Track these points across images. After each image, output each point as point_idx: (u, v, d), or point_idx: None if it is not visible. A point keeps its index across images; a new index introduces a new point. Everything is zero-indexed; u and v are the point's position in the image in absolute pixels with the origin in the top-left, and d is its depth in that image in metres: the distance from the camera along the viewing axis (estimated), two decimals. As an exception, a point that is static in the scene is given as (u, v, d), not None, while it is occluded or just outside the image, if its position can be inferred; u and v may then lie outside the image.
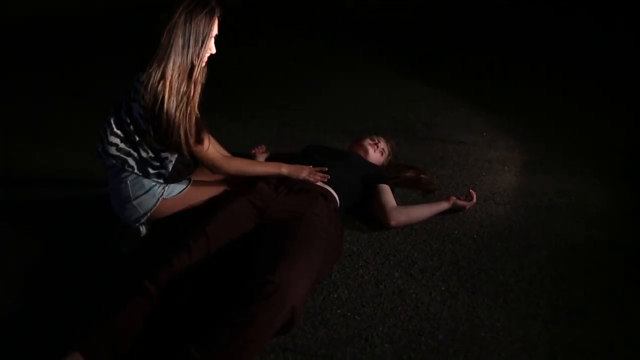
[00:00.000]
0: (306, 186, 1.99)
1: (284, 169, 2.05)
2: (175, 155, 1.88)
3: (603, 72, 4.52)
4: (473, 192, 2.32)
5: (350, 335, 1.61)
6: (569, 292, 1.84)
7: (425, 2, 7.00)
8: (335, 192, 2.06)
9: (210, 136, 1.89)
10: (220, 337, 1.37)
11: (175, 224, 1.93)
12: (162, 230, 1.94)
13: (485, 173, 2.67)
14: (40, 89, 3.83)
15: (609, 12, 5.90)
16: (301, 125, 3.28)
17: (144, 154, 1.84)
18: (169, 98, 1.68)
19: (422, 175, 2.55)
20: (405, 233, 2.13)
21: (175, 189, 1.94)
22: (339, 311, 1.71)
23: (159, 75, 1.67)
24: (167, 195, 1.91)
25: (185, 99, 1.72)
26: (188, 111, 1.73)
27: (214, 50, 1.80)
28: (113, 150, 1.82)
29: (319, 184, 2.05)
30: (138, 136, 1.81)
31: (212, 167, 1.93)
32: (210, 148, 1.88)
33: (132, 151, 1.83)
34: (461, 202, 2.26)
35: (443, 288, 1.84)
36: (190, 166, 1.98)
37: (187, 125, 1.74)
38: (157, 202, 1.89)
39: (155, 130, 1.74)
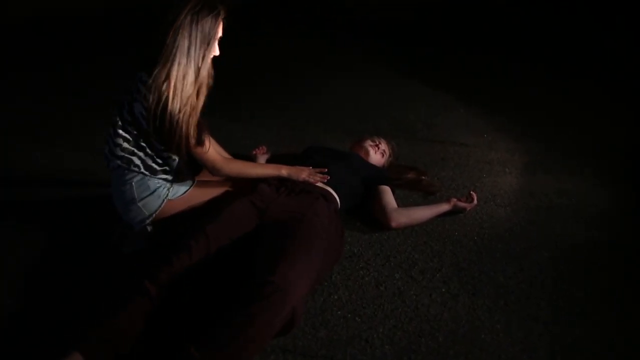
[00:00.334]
0: (307, 187, 1.99)
1: (284, 171, 2.04)
2: None
3: (603, 72, 4.52)
4: (473, 193, 2.32)
5: (350, 337, 1.61)
6: (570, 293, 1.84)
7: (425, 2, 6.99)
8: (336, 193, 2.06)
9: (211, 138, 1.89)
10: (220, 337, 1.37)
11: (176, 225, 1.92)
12: (163, 231, 1.94)
13: (485, 175, 2.67)
14: (40, 89, 3.82)
15: (609, 12, 5.90)
16: (301, 126, 3.28)
17: (147, 153, 1.84)
18: (172, 99, 1.67)
19: (423, 177, 2.55)
20: (405, 234, 2.13)
21: (180, 189, 1.94)
22: (339, 312, 1.71)
23: (163, 75, 1.66)
24: (172, 196, 1.91)
25: (189, 101, 1.71)
26: (191, 113, 1.72)
27: (217, 52, 1.80)
28: (118, 151, 1.82)
29: (320, 184, 2.05)
30: (140, 135, 1.80)
31: (212, 170, 1.92)
32: (211, 150, 1.87)
33: (136, 150, 1.83)
34: (462, 204, 2.26)
35: (443, 290, 1.83)
36: (197, 166, 1.97)
37: (190, 127, 1.73)
38: (162, 203, 1.89)
39: (157, 131, 1.73)
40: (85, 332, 1.42)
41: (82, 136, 2.97)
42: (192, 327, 1.55)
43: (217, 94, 1.89)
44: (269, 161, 2.59)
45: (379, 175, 2.34)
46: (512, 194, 2.49)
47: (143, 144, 1.82)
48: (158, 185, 1.88)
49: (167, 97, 1.67)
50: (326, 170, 2.10)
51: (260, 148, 2.70)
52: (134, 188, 1.86)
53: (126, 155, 1.82)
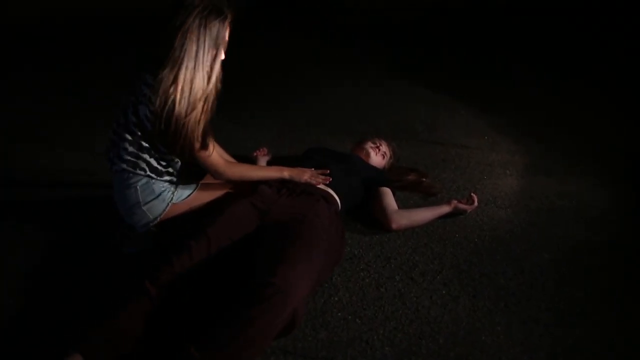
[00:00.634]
0: (308, 189, 1.99)
1: (286, 173, 2.04)
2: None
3: (603, 73, 4.53)
4: (474, 195, 2.32)
5: (350, 338, 1.61)
6: (570, 294, 1.84)
7: (425, 2, 7.00)
8: (337, 194, 2.06)
9: (214, 142, 1.87)
10: (221, 338, 1.37)
11: (177, 226, 1.92)
12: (164, 232, 1.94)
13: (486, 176, 2.67)
14: (40, 89, 3.82)
15: (609, 12, 5.91)
16: (301, 126, 3.28)
17: (152, 155, 1.83)
18: (179, 102, 1.66)
19: (424, 179, 2.55)
20: (406, 236, 2.13)
21: (184, 193, 1.93)
22: (339, 314, 1.71)
23: (171, 79, 1.65)
24: (176, 199, 1.90)
25: (196, 105, 1.69)
26: (198, 117, 1.71)
27: (223, 57, 1.78)
28: (124, 154, 1.80)
29: (321, 186, 2.05)
30: (144, 137, 1.79)
31: (215, 174, 1.91)
32: (214, 154, 1.85)
33: (140, 153, 1.81)
34: (462, 206, 2.26)
35: (444, 291, 1.83)
36: (201, 169, 1.95)
37: (195, 131, 1.72)
38: (167, 207, 1.88)
39: (162, 134, 1.71)
40: (85, 332, 1.42)
41: (82, 136, 2.97)
42: (192, 328, 1.55)
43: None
44: (269, 163, 2.59)
45: (380, 176, 2.34)
46: (512, 196, 2.49)
47: (147, 146, 1.80)
48: (163, 189, 1.87)
49: (174, 100, 1.65)
50: (328, 171, 2.10)
51: (261, 150, 2.69)
52: (139, 192, 1.84)
53: (132, 158, 1.81)
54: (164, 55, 1.65)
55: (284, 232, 1.69)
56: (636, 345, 1.64)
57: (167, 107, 1.66)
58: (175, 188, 1.91)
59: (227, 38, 1.76)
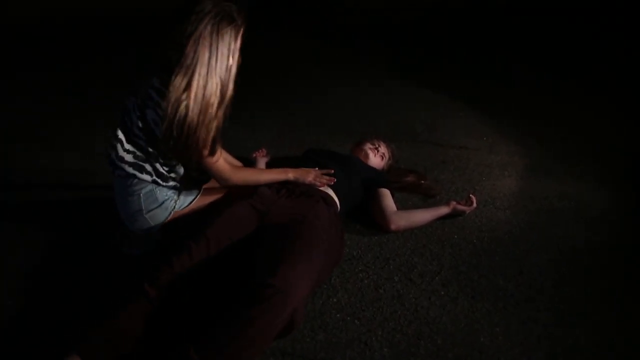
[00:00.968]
0: (307, 190, 1.99)
1: (291, 174, 2.03)
2: None
3: (603, 73, 4.53)
4: (473, 196, 2.32)
5: (349, 339, 1.61)
6: (570, 295, 1.84)
7: (425, 2, 7.00)
8: (336, 195, 2.06)
9: (221, 148, 1.85)
10: (220, 338, 1.37)
11: (178, 227, 1.92)
12: (164, 233, 1.94)
13: (485, 178, 2.67)
14: (40, 89, 3.82)
15: (608, 12, 5.91)
16: (301, 126, 3.28)
17: (157, 160, 1.82)
18: (192, 109, 1.64)
19: (423, 180, 2.55)
20: (405, 237, 2.14)
21: (187, 200, 1.93)
22: (338, 315, 1.71)
23: (183, 85, 1.63)
24: (179, 207, 1.90)
25: (209, 111, 1.68)
26: (210, 124, 1.69)
27: (237, 63, 1.77)
28: (130, 158, 1.79)
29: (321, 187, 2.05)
30: (150, 142, 1.78)
31: (220, 179, 1.90)
32: (221, 160, 1.84)
33: (146, 158, 1.80)
34: (461, 207, 2.26)
35: (442, 292, 1.84)
36: (205, 175, 1.95)
37: (206, 138, 1.70)
38: (169, 215, 1.88)
39: (172, 139, 1.68)
40: (85, 333, 1.42)
41: (82, 136, 2.98)
42: (192, 328, 1.55)
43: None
44: (269, 164, 2.59)
45: (379, 178, 2.34)
46: (511, 197, 2.49)
47: (152, 151, 1.79)
48: (166, 197, 1.86)
49: (187, 106, 1.63)
50: (332, 171, 2.10)
51: (261, 151, 2.70)
52: (142, 200, 1.83)
53: (138, 162, 1.80)
54: (175, 62, 1.63)
55: (284, 233, 1.70)
56: (636, 345, 1.64)
57: (178, 114, 1.64)
58: (178, 196, 1.91)
59: (239, 44, 1.74)
